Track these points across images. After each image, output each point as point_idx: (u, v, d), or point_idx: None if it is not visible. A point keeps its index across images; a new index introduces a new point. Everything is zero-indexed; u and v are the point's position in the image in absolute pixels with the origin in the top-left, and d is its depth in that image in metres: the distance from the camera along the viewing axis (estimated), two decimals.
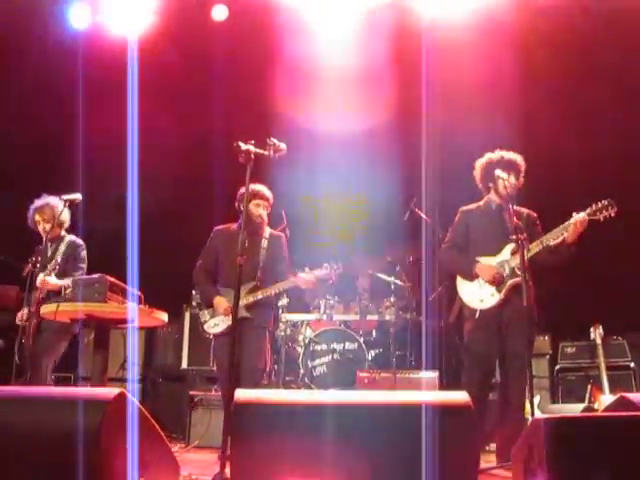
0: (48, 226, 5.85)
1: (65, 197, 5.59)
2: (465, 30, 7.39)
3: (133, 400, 3.03)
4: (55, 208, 5.89)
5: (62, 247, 5.94)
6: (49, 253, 5.89)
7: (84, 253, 5.99)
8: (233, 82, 7.98)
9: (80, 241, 6.06)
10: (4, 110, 7.87)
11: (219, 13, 7.92)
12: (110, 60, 7.58)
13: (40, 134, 7.95)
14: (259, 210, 5.58)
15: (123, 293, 5.10)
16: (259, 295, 5.39)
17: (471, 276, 5.09)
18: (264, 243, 5.63)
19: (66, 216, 6.01)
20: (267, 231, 5.71)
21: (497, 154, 5.18)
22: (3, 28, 7.58)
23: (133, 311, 5.00)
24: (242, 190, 5.24)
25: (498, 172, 5.01)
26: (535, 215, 5.23)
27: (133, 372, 7.43)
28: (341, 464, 2.84)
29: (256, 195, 5.55)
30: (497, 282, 4.98)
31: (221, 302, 5.45)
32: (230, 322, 5.03)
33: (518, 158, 5.15)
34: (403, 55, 7.62)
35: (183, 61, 8.07)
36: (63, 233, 6.06)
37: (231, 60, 7.90)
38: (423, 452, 2.82)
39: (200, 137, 8.08)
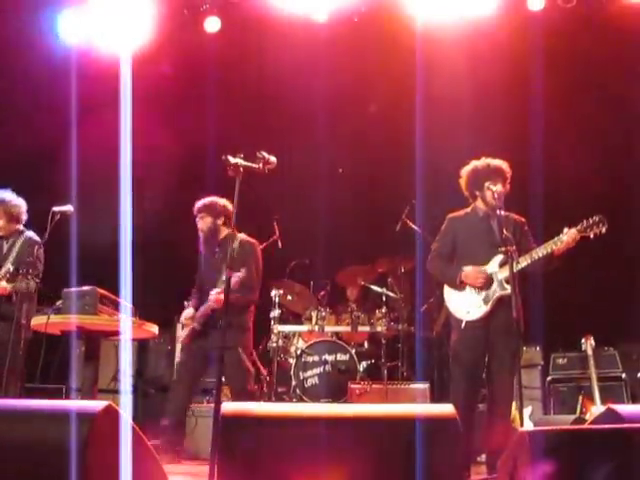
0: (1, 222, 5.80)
1: (56, 209, 5.57)
2: (457, 39, 7.42)
3: (121, 413, 3.03)
4: (7, 203, 5.83)
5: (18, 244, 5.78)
6: (4, 251, 5.76)
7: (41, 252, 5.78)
8: (226, 94, 8.00)
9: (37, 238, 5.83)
10: None
11: (212, 25, 7.95)
12: (103, 74, 7.60)
13: (33, 148, 7.95)
14: (201, 224, 5.82)
15: (114, 305, 5.12)
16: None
17: (457, 285, 5.09)
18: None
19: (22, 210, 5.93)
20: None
21: (483, 162, 5.17)
22: None
23: (124, 323, 5.01)
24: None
25: (487, 184, 5.03)
26: (523, 220, 5.22)
27: (126, 384, 7.43)
28: (329, 477, 2.85)
29: (196, 210, 5.85)
30: (487, 286, 4.98)
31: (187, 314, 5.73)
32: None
33: (504, 165, 5.14)
34: (395, 64, 7.65)
35: (176, 73, 8.10)
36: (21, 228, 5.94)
37: (224, 72, 7.94)
38: (411, 465, 2.83)
39: (193, 150, 8.10)
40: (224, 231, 5.84)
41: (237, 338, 5.56)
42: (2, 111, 7.94)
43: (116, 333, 5.22)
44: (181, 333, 5.97)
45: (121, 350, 5.22)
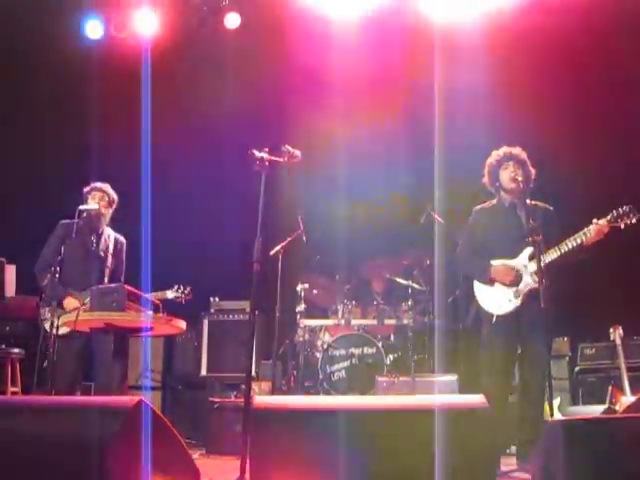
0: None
1: (82, 207, 5.62)
2: (475, 33, 7.38)
3: (152, 408, 3.05)
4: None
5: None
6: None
7: None
8: (246, 90, 8.02)
9: None
10: (20, 122, 7.97)
11: (232, 21, 7.96)
12: (124, 70, 7.65)
13: (56, 144, 8.03)
14: (95, 202, 5.77)
15: (141, 302, 5.14)
16: None
17: (487, 280, 5.06)
18: (111, 247, 5.83)
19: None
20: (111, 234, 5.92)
21: (493, 154, 5.18)
22: (18, 39, 7.68)
23: (151, 319, 5.04)
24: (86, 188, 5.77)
25: (500, 171, 5.02)
26: (552, 209, 5.17)
27: (149, 380, 7.49)
28: (358, 468, 2.85)
29: (94, 188, 5.83)
30: (516, 283, 4.95)
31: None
32: None
33: (514, 150, 5.13)
34: (415, 59, 7.62)
35: (196, 69, 8.12)
36: None
37: (244, 67, 7.95)
38: (441, 456, 2.82)
39: (214, 146, 8.13)
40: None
41: None
42: (26, 109, 8.01)
43: (144, 330, 5.25)
44: None
45: (145, 346, 5.24)
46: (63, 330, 5.36)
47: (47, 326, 5.41)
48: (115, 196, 5.90)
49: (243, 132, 7.63)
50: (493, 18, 7.47)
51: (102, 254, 5.75)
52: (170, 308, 5.51)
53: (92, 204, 5.67)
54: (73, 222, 5.51)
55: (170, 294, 5.74)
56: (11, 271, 7.17)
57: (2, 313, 7.19)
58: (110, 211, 5.90)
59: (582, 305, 7.00)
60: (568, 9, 7.27)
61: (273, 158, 4.27)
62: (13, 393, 6.75)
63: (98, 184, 5.85)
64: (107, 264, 5.73)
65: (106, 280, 5.66)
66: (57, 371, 5.38)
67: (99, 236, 5.79)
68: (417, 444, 2.88)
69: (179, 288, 5.82)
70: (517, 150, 5.13)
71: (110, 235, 5.86)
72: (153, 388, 7.78)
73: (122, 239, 5.94)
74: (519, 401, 5.11)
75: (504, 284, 4.98)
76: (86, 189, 5.83)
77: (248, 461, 3.17)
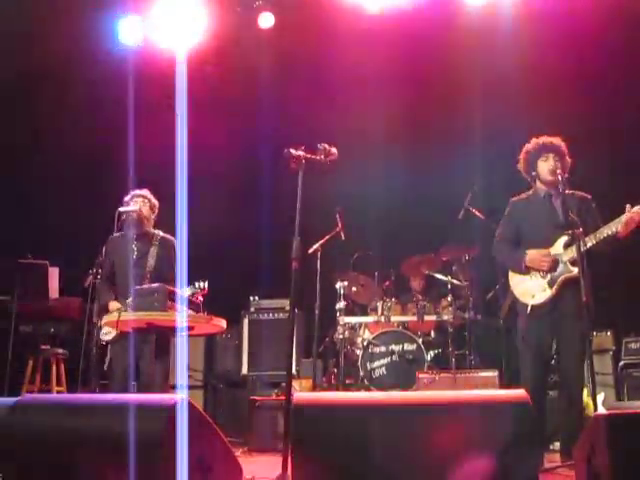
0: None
1: (122, 209, 5.69)
2: (511, 19, 7.32)
3: (194, 405, 3.09)
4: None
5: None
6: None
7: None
8: (282, 89, 8.04)
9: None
10: (57, 126, 8.10)
11: (265, 21, 7.99)
12: (159, 74, 7.73)
13: (93, 150, 8.15)
14: (137, 206, 5.81)
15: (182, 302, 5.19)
16: None
17: (522, 269, 5.01)
18: (153, 250, 5.83)
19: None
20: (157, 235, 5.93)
21: (533, 142, 5.12)
22: (56, 46, 7.79)
23: (191, 319, 5.08)
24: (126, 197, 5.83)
25: (539, 161, 4.97)
26: (589, 197, 5.09)
27: (183, 378, 7.54)
28: (400, 464, 2.85)
29: (134, 195, 5.88)
30: (551, 268, 4.89)
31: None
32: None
33: (554, 140, 5.06)
34: (450, 52, 7.57)
35: (231, 70, 8.17)
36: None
37: (279, 67, 7.98)
38: (482, 451, 2.81)
39: (250, 146, 8.18)
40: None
41: None
42: (64, 115, 8.14)
43: (185, 329, 5.29)
44: None
45: (178, 345, 5.27)
46: (110, 336, 5.50)
47: (102, 333, 5.58)
48: (156, 201, 5.97)
49: (278, 131, 7.67)
50: (529, 8, 7.37)
51: (144, 258, 5.81)
52: (211, 307, 5.55)
53: (133, 207, 5.74)
54: (119, 234, 5.74)
55: (187, 292, 5.75)
56: (54, 273, 7.30)
57: (46, 314, 7.32)
58: (153, 215, 5.97)
59: (626, 298, 6.90)
60: None
61: (309, 156, 4.27)
62: (58, 392, 6.88)
63: (138, 191, 5.92)
64: (148, 266, 5.79)
65: (146, 282, 5.71)
66: (111, 372, 5.53)
67: (141, 241, 5.86)
68: (458, 439, 2.87)
69: (195, 284, 5.82)
70: (557, 141, 5.06)
71: (156, 236, 5.92)
72: (193, 387, 7.85)
73: (171, 239, 5.98)
74: (559, 395, 5.05)
75: (540, 271, 4.93)
76: (127, 197, 5.91)
77: (289, 458, 3.18)
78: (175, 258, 5.95)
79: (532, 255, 4.96)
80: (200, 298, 5.74)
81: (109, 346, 5.65)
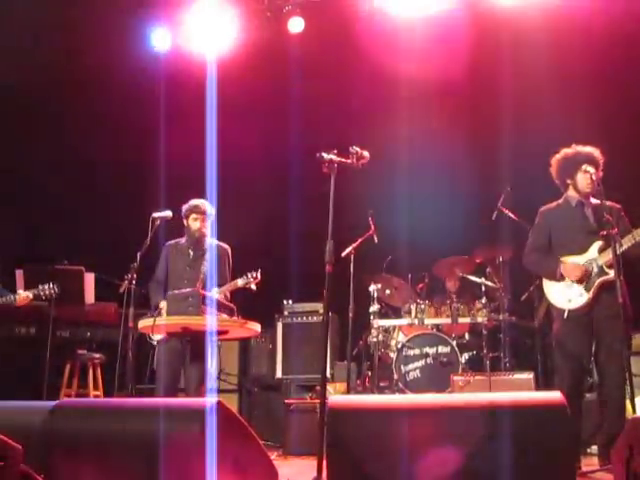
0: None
1: (156, 214, 5.75)
2: (541, 27, 7.26)
3: (229, 409, 3.11)
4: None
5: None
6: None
7: None
8: (312, 93, 8.06)
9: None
10: (91, 133, 8.21)
11: (295, 25, 8.02)
12: (190, 79, 7.80)
13: (124, 155, 8.24)
14: (197, 224, 5.89)
15: (217, 306, 5.24)
16: None
17: (557, 278, 4.97)
18: (207, 255, 5.89)
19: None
20: (212, 242, 5.99)
21: (573, 149, 5.08)
22: (89, 52, 7.91)
23: (226, 323, 5.12)
24: (185, 207, 5.93)
25: (584, 167, 4.92)
26: (619, 207, 5.06)
27: (215, 382, 7.60)
28: (434, 466, 2.84)
29: (193, 210, 5.91)
30: (585, 279, 4.86)
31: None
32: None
33: (595, 152, 5.03)
34: (481, 57, 7.54)
35: (261, 75, 8.20)
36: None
37: (309, 72, 8.00)
38: (519, 454, 2.79)
39: (281, 150, 8.20)
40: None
41: None
42: (96, 120, 8.25)
43: (220, 333, 5.34)
44: None
45: (207, 347, 5.31)
46: (159, 336, 5.56)
47: (154, 337, 5.67)
48: (211, 210, 6.03)
49: (309, 134, 7.68)
50: (560, 11, 7.31)
51: (198, 263, 5.88)
52: (245, 311, 5.59)
53: (167, 212, 5.81)
54: (176, 241, 5.95)
55: (240, 282, 5.81)
56: (90, 279, 7.39)
57: (83, 319, 7.42)
58: (208, 223, 6.03)
59: None
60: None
61: (341, 160, 4.26)
62: (95, 396, 6.96)
63: (195, 204, 5.99)
64: (202, 271, 5.87)
65: (199, 286, 5.78)
66: (157, 373, 5.64)
67: (196, 248, 5.93)
68: (493, 442, 2.85)
69: (247, 274, 5.89)
70: (599, 153, 5.03)
71: (212, 244, 5.99)
72: (228, 391, 7.90)
73: (224, 246, 6.06)
74: (598, 398, 4.99)
75: (573, 281, 4.89)
76: (185, 208, 5.99)
77: (324, 461, 3.19)
78: (229, 264, 6.07)
79: (567, 266, 4.93)
80: (253, 287, 5.81)
81: (156, 347, 5.72)
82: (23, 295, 6.50)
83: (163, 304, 5.61)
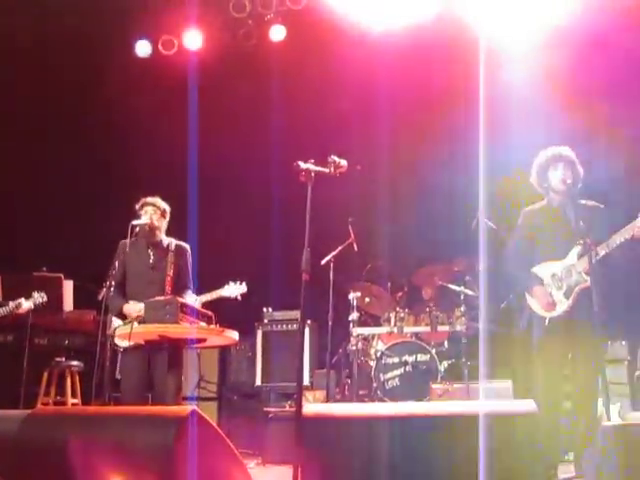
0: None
1: (135, 222, 5.71)
2: (520, 38, 7.33)
3: (205, 418, 3.10)
4: None
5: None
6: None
7: None
8: (292, 101, 8.08)
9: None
10: (72, 139, 8.18)
11: (277, 34, 8.04)
12: (172, 86, 7.80)
13: (105, 163, 8.22)
14: (147, 217, 5.80)
15: (194, 314, 5.22)
16: None
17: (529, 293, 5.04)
18: (170, 256, 5.81)
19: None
20: (170, 242, 5.92)
21: (542, 154, 5.13)
22: (72, 58, 7.90)
23: (204, 331, 5.11)
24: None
25: (554, 164, 4.99)
26: (602, 207, 5.07)
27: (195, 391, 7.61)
28: (410, 475, 2.85)
29: (143, 204, 5.86)
30: (549, 309, 4.92)
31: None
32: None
33: (563, 150, 5.07)
34: (459, 67, 7.58)
35: (242, 83, 8.21)
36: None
37: (290, 80, 8.02)
38: (494, 462, 2.80)
39: (260, 159, 8.21)
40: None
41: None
42: (79, 128, 8.23)
43: (198, 341, 5.32)
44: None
45: (187, 356, 5.29)
46: (125, 344, 5.50)
47: (117, 341, 5.56)
48: (166, 207, 5.98)
49: (288, 143, 7.70)
50: (539, 23, 7.38)
51: (161, 265, 5.84)
52: (225, 319, 5.58)
53: (144, 219, 5.77)
54: (130, 241, 5.65)
55: (225, 292, 5.79)
56: (69, 286, 7.36)
57: (60, 327, 7.39)
58: (164, 222, 5.98)
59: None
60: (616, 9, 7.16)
61: (319, 169, 4.26)
62: (73, 404, 6.92)
63: (149, 198, 5.94)
64: (168, 273, 5.82)
65: (168, 289, 5.75)
66: (124, 383, 5.55)
67: (156, 248, 5.88)
68: (469, 451, 2.86)
69: (231, 283, 5.86)
70: (566, 150, 5.07)
71: (170, 244, 5.94)
72: (207, 399, 7.88)
73: (185, 246, 5.99)
74: (573, 406, 5.02)
75: (555, 283, 4.94)
76: (138, 205, 5.93)
77: (300, 469, 3.19)
78: (190, 265, 6.00)
79: (536, 292, 4.99)
80: (239, 298, 5.79)
81: (119, 355, 5.65)
82: (26, 306, 6.54)
83: (137, 307, 5.55)
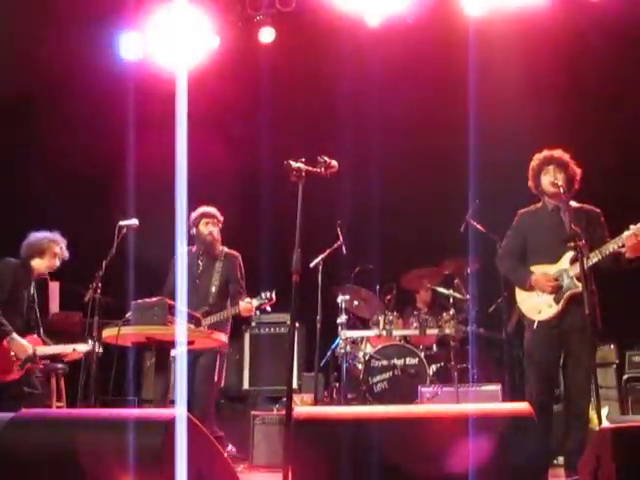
0: None
1: (122, 223, 5.67)
2: (511, 34, 7.31)
3: (193, 420, 3.06)
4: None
5: None
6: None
7: None
8: (282, 103, 8.05)
9: None
10: (58, 141, 8.10)
11: (266, 35, 8.00)
12: (160, 88, 7.73)
13: (94, 164, 8.15)
14: (208, 228, 5.93)
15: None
16: (207, 322, 5.58)
17: (526, 287, 4.98)
18: (218, 266, 5.89)
19: None
20: (222, 251, 5.98)
21: (535, 158, 5.11)
22: (56, 61, 7.82)
23: (191, 333, 5.05)
24: (193, 214, 5.98)
25: (545, 167, 4.97)
26: (598, 211, 5.04)
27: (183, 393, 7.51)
28: (402, 478, 2.81)
29: (203, 215, 5.98)
30: (556, 291, 4.86)
31: None
32: None
33: (555, 153, 5.04)
34: (450, 67, 7.58)
35: (231, 85, 8.17)
36: None
37: (280, 82, 7.99)
38: (485, 466, 2.77)
39: (251, 160, 8.17)
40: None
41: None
42: (64, 129, 8.14)
43: (186, 343, 5.26)
44: None
45: (177, 359, 5.22)
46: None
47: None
48: (220, 217, 6.05)
49: (278, 144, 7.66)
50: (530, 16, 7.36)
51: (207, 274, 5.86)
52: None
53: (134, 220, 5.72)
54: (187, 249, 5.93)
55: (255, 302, 5.76)
56: (55, 288, 7.28)
57: (46, 329, 7.29)
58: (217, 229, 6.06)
59: (629, 312, 6.86)
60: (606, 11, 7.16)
61: (310, 169, 4.23)
62: (58, 407, 6.83)
63: (207, 209, 6.04)
64: (214, 283, 5.82)
65: (212, 299, 5.82)
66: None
67: (207, 257, 5.90)
68: (459, 454, 2.83)
69: (262, 294, 5.83)
70: (558, 153, 5.04)
71: (222, 251, 5.94)
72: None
73: (234, 254, 6.05)
74: (565, 409, 5.00)
75: (544, 293, 4.90)
76: (195, 215, 5.94)
77: (289, 473, 3.15)
78: (240, 271, 6.07)
79: (537, 277, 4.92)
80: (268, 308, 5.77)
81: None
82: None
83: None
